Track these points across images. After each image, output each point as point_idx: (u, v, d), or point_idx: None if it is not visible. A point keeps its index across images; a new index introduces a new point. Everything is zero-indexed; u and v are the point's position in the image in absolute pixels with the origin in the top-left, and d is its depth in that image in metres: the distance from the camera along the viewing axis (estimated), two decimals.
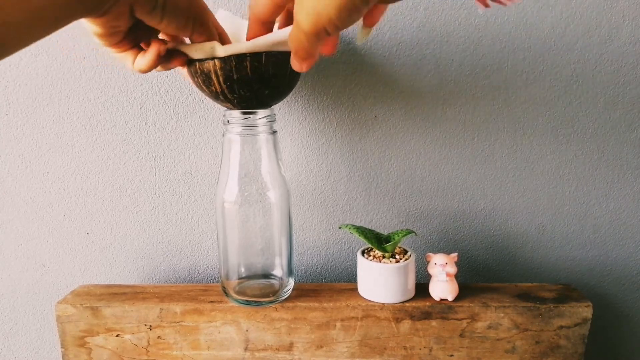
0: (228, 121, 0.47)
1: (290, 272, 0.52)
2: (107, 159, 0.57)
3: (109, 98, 0.55)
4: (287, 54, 0.43)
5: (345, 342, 0.52)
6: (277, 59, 0.42)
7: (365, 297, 0.52)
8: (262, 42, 0.40)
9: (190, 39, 0.39)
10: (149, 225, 0.59)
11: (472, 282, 0.60)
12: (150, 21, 0.33)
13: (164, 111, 0.55)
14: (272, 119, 0.47)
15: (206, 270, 0.61)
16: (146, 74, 0.54)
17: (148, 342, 0.52)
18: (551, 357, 0.52)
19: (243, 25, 0.42)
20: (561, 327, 0.51)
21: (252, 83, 0.42)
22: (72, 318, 0.51)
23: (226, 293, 0.51)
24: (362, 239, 0.51)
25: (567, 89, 0.55)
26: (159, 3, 0.32)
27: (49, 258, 0.60)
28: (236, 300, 0.51)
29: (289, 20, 0.37)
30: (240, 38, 0.43)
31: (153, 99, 0.55)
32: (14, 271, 0.61)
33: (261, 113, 0.46)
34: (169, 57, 0.39)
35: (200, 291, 0.54)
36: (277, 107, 0.55)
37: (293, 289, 0.53)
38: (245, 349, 0.52)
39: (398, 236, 0.51)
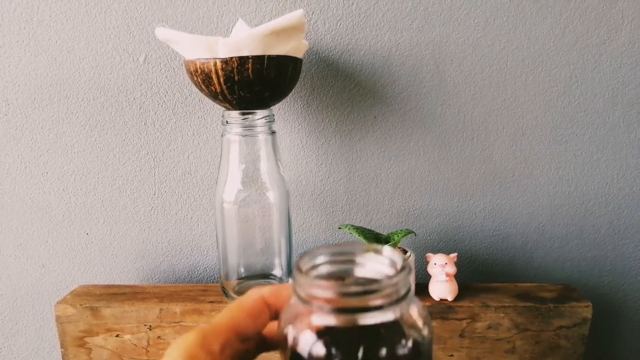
0: (227, 122, 0.47)
1: (290, 272, 0.52)
2: (106, 159, 0.57)
3: (108, 98, 0.55)
4: (288, 57, 0.43)
5: None
6: (279, 61, 0.42)
7: None
8: (262, 30, 0.40)
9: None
10: (148, 225, 0.59)
11: (472, 282, 0.60)
12: None
13: (164, 111, 0.55)
14: (271, 120, 0.47)
15: (206, 271, 0.61)
16: (145, 73, 0.54)
17: (148, 342, 0.52)
18: (551, 357, 0.52)
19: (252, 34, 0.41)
20: (561, 327, 0.51)
21: (253, 85, 0.42)
22: (71, 318, 0.51)
23: (226, 293, 0.51)
24: (362, 239, 0.51)
25: (567, 89, 0.55)
26: None
27: (48, 258, 0.60)
28: None
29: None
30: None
31: (153, 99, 0.55)
32: (14, 271, 0.61)
33: (260, 113, 0.46)
34: None
35: (200, 291, 0.54)
36: (276, 108, 0.55)
37: None
38: None
39: (398, 236, 0.51)
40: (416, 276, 0.54)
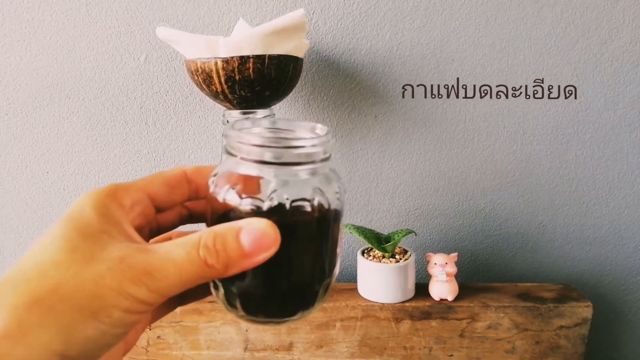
0: (228, 121, 0.47)
1: None
2: (107, 158, 0.57)
3: (109, 97, 0.55)
4: (289, 57, 0.43)
5: (345, 342, 0.51)
6: (280, 61, 0.42)
7: (365, 297, 0.52)
8: (263, 29, 0.40)
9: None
10: None
11: (472, 282, 0.60)
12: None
13: (165, 111, 0.55)
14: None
15: None
16: (146, 73, 0.54)
17: (148, 342, 0.52)
18: (551, 357, 0.52)
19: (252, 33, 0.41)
20: (561, 327, 0.51)
21: (254, 84, 0.42)
22: None
23: None
24: (362, 239, 0.51)
25: (567, 89, 0.54)
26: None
27: None
28: None
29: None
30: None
31: (153, 99, 0.55)
32: None
33: (261, 113, 0.46)
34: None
35: None
36: (277, 107, 0.55)
37: None
38: (245, 349, 0.52)
39: (398, 236, 0.51)
40: (416, 276, 0.54)
